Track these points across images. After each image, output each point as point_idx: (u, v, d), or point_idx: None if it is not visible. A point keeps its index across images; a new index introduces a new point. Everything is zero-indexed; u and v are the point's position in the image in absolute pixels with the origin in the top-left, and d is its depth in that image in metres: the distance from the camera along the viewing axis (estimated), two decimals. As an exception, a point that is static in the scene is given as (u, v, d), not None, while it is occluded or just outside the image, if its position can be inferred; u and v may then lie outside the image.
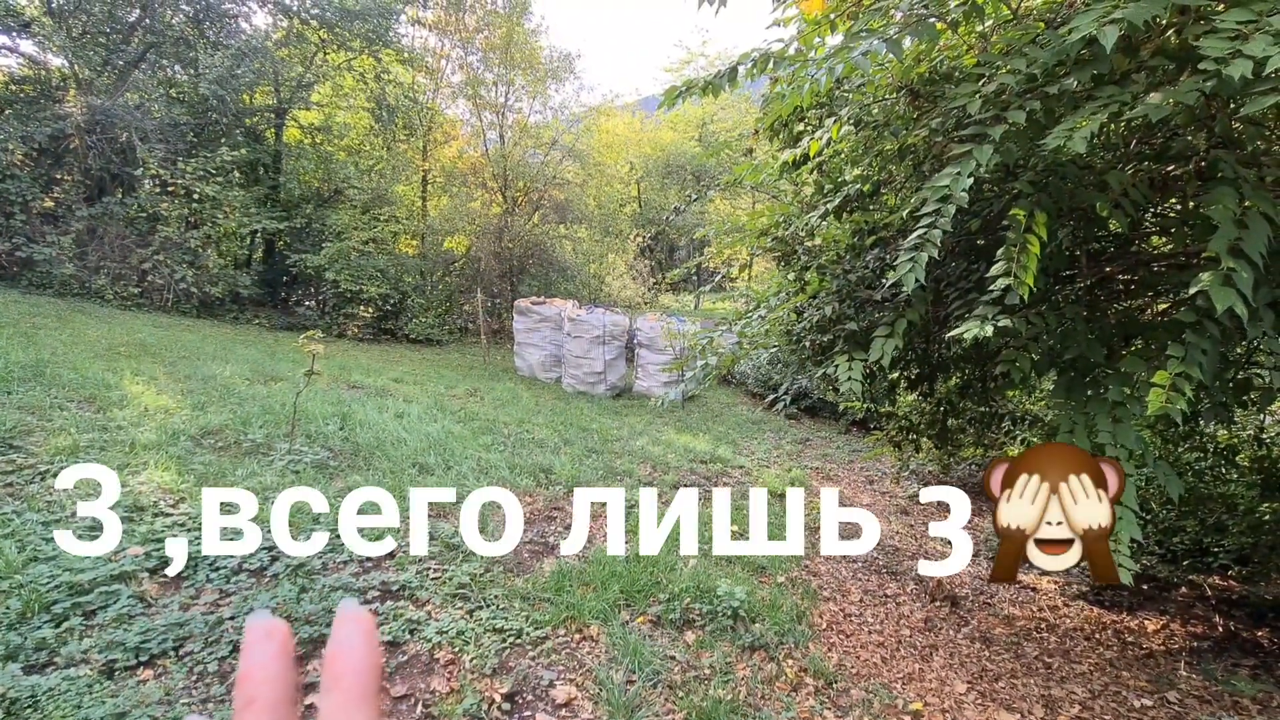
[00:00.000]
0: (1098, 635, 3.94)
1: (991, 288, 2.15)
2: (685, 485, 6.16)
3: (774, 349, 3.23)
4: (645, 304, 19.06)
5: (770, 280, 4.03)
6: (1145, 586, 4.83)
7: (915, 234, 1.71)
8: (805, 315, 2.91)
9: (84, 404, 4.80)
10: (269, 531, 3.20)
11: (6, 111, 11.72)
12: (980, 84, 1.65)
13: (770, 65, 1.92)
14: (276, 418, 5.20)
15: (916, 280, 1.69)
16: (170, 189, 11.69)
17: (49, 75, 12.70)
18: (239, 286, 12.51)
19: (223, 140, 12.60)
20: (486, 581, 3.22)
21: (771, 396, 3.43)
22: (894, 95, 2.06)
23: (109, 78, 12.32)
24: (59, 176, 11.74)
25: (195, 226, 12.02)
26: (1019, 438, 4.61)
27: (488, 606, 2.97)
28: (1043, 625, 4.00)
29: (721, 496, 5.89)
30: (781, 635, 3.28)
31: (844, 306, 2.78)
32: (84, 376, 5.46)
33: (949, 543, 5.76)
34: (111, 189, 12.20)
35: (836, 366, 2.73)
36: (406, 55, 14.71)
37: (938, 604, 4.16)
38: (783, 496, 6.44)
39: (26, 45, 12.83)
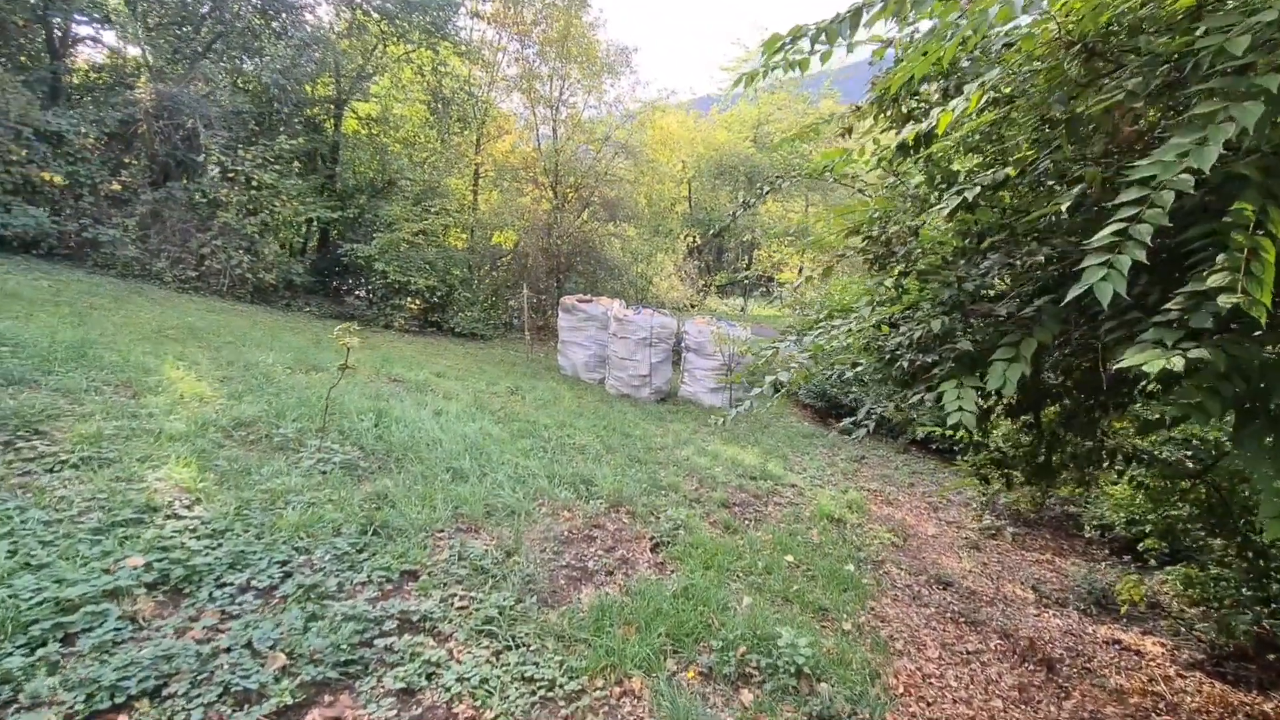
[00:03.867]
0: (1228, 721, 3.33)
1: (1168, 306, 1.66)
2: (734, 504, 5.72)
3: (859, 368, 2.76)
4: (693, 306, 18.60)
5: (845, 286, 3.55)
6: (1272, 657, 4.14)
7: (1109, 229, 1.25)
8: (904, 330, 2.43)
9: (120, 388, 4.68)
10: (284, 543, 2.92)
11: (85, 99, 12.12)
12: (1248, 13, 1.17)
13: (908, 4, 1.49)
14: (311, 410, 4.99)
15: (1115, 292, 1.22)
16: (230, 176, 11.86)
17: (124, 63, 13.10)
18: (292, 274, 12.63)
19: (281, 129, 12.73)
20: (518, 615, 2.85)
21: (849, 420, 2.96)
22: (1058, 56, 1.59)
23: (179, 67, 12.61)
24: (127, 161, 12.05)
25: (253, 213, 12.17)
26: (1128, 475, 4.00)
27: (517, 647, 2.61)
28: (1161, 705, 3.40)
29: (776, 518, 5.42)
30: (854, 701, 2.81)
31: (953, 321, 2.30)
32: (126, 359, 5.37)
33: (1034, 589, 5.15)
34: (176, 174, 12.47)
35: (942, 393, 2.25)
36: (464, 48, 14.64)
37: (1030, 667, 3.60)
38: (839, 521, 5.92)
39: (109, 36, 13.31)
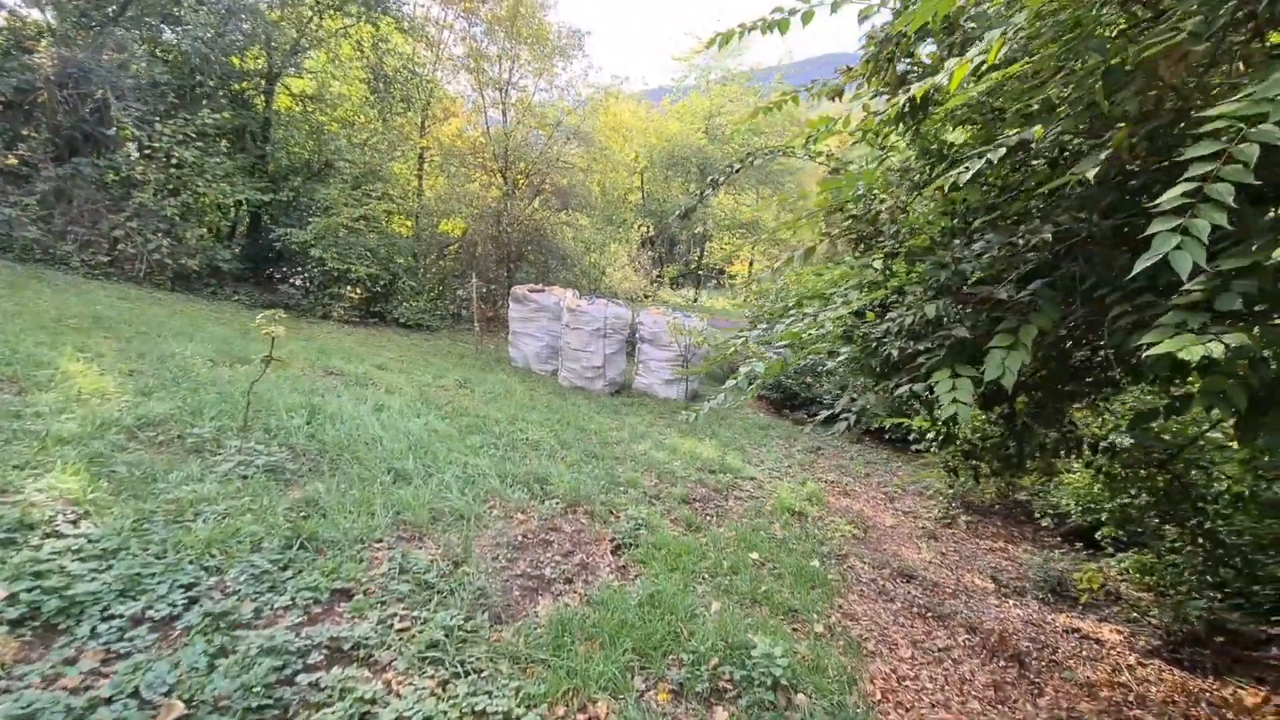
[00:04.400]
0: (1194, 711, 3.32)
1: (1188, 288, 1.50)
2: (695, 499, 5.52)
3: (841, 357, 2.56)
4: (646, 297, 18.36)
5: (817, 271, 3.36)
6: (1220, 640, 4.22)
7: (1178, 189, 1.05)
8: (892, 316, 2.24)
9: (2, 384, 4.09)
10: (191, 562, 2.52)
11: (-26, 63, 10.89)
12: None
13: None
14: (234, 408, 4.50)
15: (1194, 263, 1.03)
16: (148, 153, 10.89)
17: (23, 26, 11.84)
18: (218, 260, 11.73)
19: (205, 103, 11.78)
20: (467, 635, 2.54)
21: (826, 414, 2.77)
22: (1084, 2, 1.40)
23: (88, 33, 11.49)
24: (25, 133, 10.90)
25: (174, 194, 11.22)
26: (1093, 464, 3.98)
27: (467, 674, 2.30)
28: (1130, 697, 3.37)
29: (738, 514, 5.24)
30: (833, 713, 2.63)
31: (946, 306, 2.11)
32: (14, 351, 4.73)
33: (993, 579, 5.14)
34: (84, 150, 11.38)
35: (935, 384, 2.07)
36: (407, 24, 13.89)
37: (1002, 664, 3.52)
38: (801, 515, 5.81)
39: (4, -4, 11.99)
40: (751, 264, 36.86)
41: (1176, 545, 4.16)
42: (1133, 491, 4.32)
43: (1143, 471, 3.99)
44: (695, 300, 30.36)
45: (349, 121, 14.64)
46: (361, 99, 14.65)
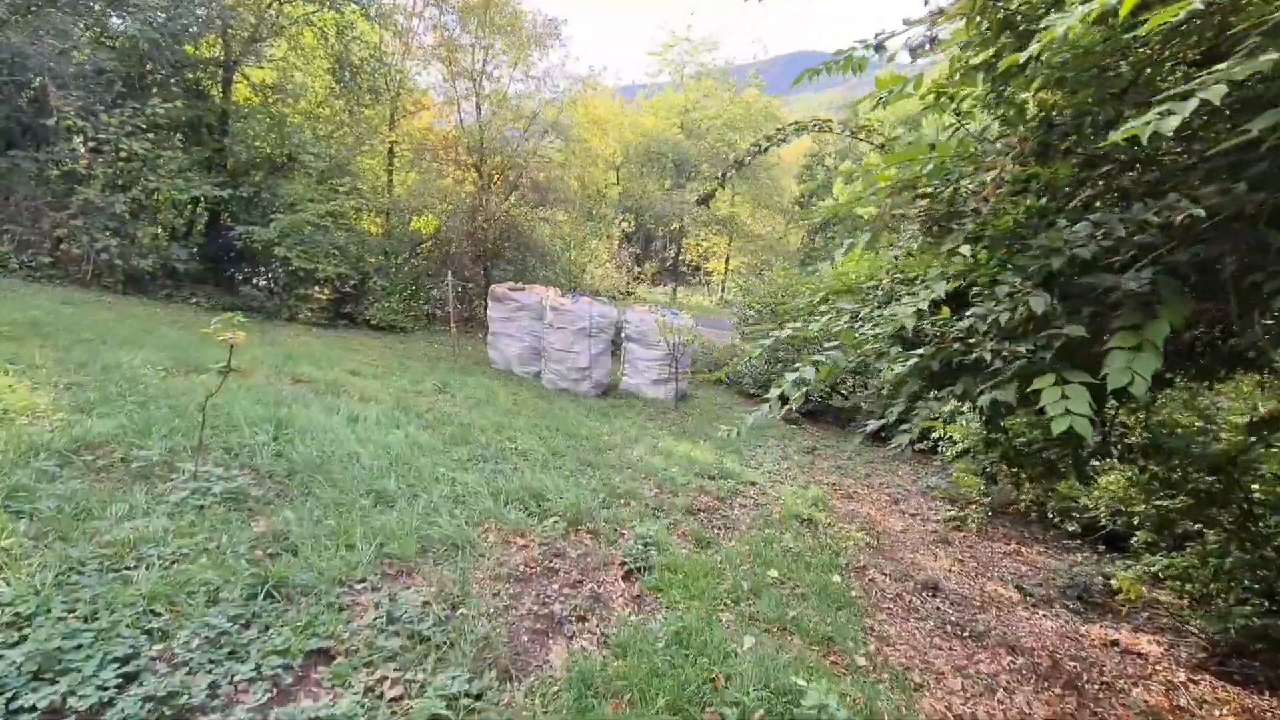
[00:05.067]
0: (1266, 736, 3.06)
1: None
2: (700, 510, 5.16)
3: (911, 359, 2.19)
4: (628, 294, 17.96)
5: (856, 260, 3.01)
6: (1260, 648, 4.01)
7: None
8: (977, 312, 1.88)
9: (-90, 404, 3.52)
10: (130, 625, 2.05)
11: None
12: None
13: None
14: (189, 424, 3.98)
15: None
16: (94, 145, 10.11)
17: (-49, 10, 10.93)
18: (174, 260, 10.97)
19: (155, 92, 11.02)
20: (473, 700, 2.12)
21: (876, 423, 2.42)
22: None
23: (25, 17, 10.63)
24: (-46, 124, 10.05)
25: (123, 189, 10.46)
26: (1136, 468, 3.73)
27: (477, 757, 1.89)
28: (1200, 724, 3.09)
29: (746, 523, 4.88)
30: (901, 772, 2.28)
31: (1055, 300, 1.77)
32: (-72, 365, 4.15)
33: (1018, 588, 4.87)
34: (21, 142, 10.54)
35: (1040, 393, 1.72)
36: (373, 11, 13.23)
37: (1058, 691, 3.22)
38: (809, 522, 5.48)
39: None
40: (728, 260, 36.77)
41: (1217, 549, 3.92)
42: (1169, 494, 4.08)
43: (1192, 473, 3.74)
44: (674, 297, 30.09)
45: (314, 114, 13.93)
46: (327, 90, 13.94)
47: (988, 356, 1.88)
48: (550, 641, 2.67)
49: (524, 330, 10.56)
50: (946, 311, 2.09)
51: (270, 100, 13.28)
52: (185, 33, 11.64)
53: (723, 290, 35.79)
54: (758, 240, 33.05)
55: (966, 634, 3.86)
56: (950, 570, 5.08)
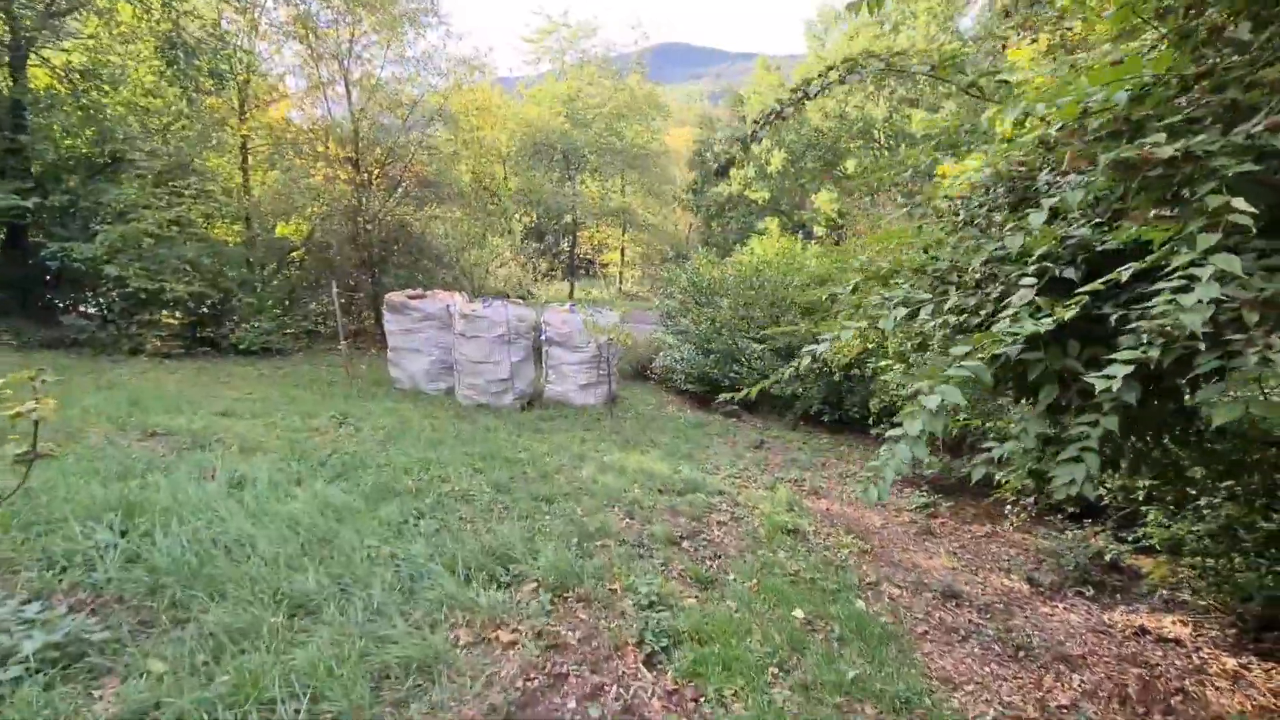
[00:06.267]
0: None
1: None
2: (681, 537, 4.47)
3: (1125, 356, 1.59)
4: (530, 294, 16.83)
5: (899, 234, 2.41)
6: None
7: None
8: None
9: None
10: None
11: None
12: None
13: None
14: (-18, 530, 2.72)
15: None
16: None
17: None
18: (-39, 290, 8.70)
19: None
20: None
21: (983, 458, 1.85)
22: None
23: None
24: None
25: (-126, 203, 8.08)
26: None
27: None
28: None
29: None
30: None
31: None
32: None
33: (1028, 580, 4.59)
34: None
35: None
36: (207, -19, 11.22)
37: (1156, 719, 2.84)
38: (796, 533, 4.97)
39: None
40: (623, 251, 36.21)
41: (1240, 516, 3.75)
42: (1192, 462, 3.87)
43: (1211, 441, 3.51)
44: (573, 293, 29.11)
45: (141, 104, 11.67)
46: (155, 75, 11.72)
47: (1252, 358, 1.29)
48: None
49: (430, 343, 9.36)
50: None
51: (81, 88, 10.94)
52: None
53: (620, 282, 35.25)
54: (652, 230, 32.82)
55: (1017, 652, 3.44)
56: (953, 569, 4.73)
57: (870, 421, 7.36)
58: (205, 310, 10.61)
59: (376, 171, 13.17)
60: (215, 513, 3.33)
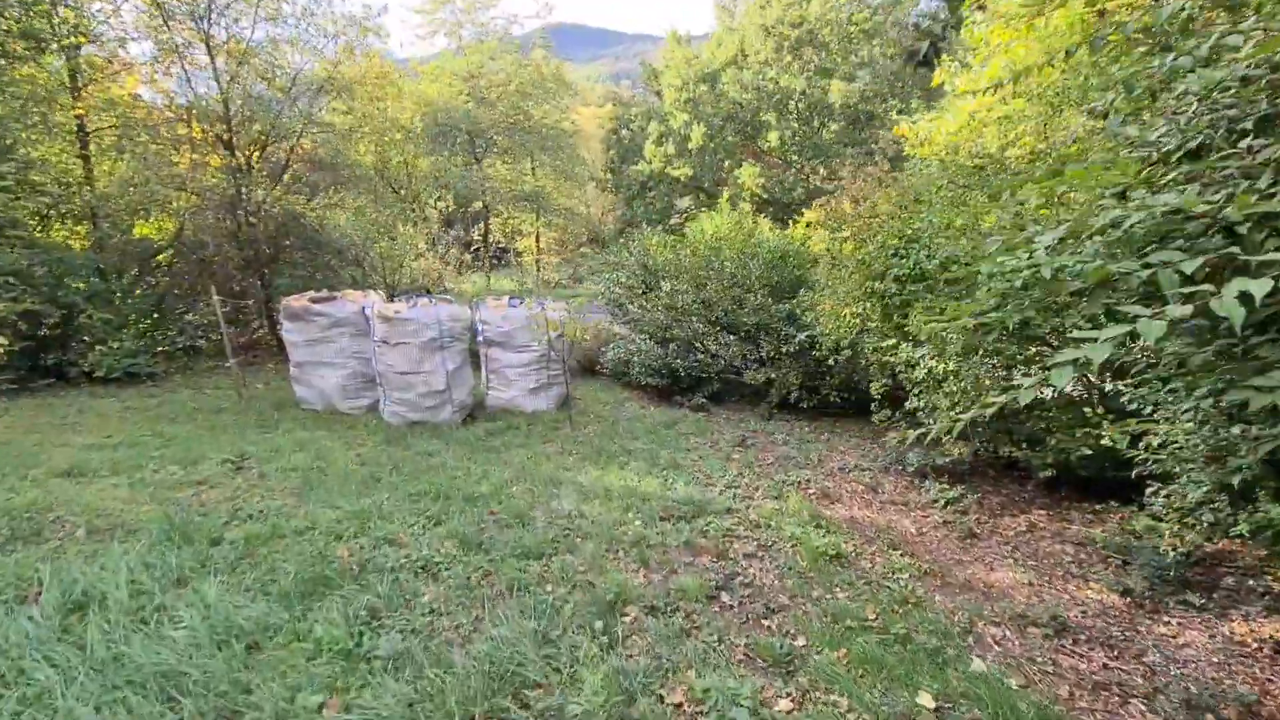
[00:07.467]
0: None
1: None
2: (717, 589, 3.52)
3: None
4: (445, 290, 15.17)
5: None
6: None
7: None
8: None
9: None
10: None
11: None
12: None
13: None
14: None
15: None
16: None
17: None
18: None
19: None
20: None
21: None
22: None
23: None
24: None
25: None
26: None
27: None
28: None
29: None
30: None
31: None
32: None
33: (1125, 592, 3.93)
34: None
35: None
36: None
37: None
38: (839, 558, 4.13)
39: None
40: (538, 237, 34.47)
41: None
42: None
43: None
44: (488, 283, 27.29)
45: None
46: (-56, 37, 9.21)
47: None
48: None
49: (344, 353, 7.84)
50: None
51: None
52: None
53: (538, 270, 33.50)
54: (567, 214, 31.42)
55: (1186, 707, 2.71)
56: (1028, 584, 4.02)
57: (872, 407, 6.64)
58: (43, 332, 8.49)
59: (256, 154, 11.14)
60: (50, 663, 2.01)
